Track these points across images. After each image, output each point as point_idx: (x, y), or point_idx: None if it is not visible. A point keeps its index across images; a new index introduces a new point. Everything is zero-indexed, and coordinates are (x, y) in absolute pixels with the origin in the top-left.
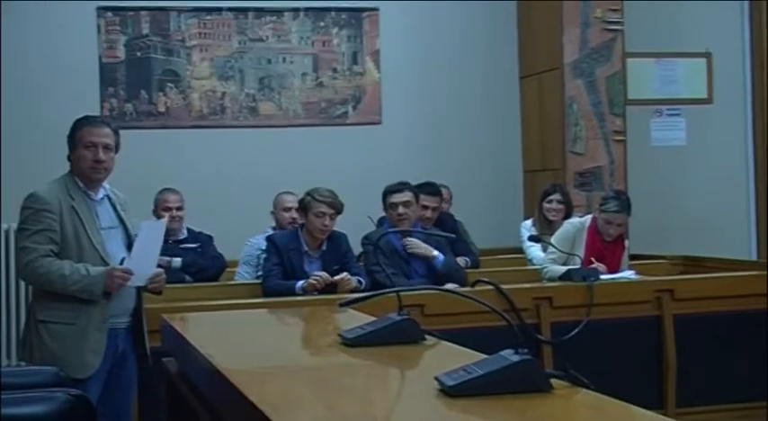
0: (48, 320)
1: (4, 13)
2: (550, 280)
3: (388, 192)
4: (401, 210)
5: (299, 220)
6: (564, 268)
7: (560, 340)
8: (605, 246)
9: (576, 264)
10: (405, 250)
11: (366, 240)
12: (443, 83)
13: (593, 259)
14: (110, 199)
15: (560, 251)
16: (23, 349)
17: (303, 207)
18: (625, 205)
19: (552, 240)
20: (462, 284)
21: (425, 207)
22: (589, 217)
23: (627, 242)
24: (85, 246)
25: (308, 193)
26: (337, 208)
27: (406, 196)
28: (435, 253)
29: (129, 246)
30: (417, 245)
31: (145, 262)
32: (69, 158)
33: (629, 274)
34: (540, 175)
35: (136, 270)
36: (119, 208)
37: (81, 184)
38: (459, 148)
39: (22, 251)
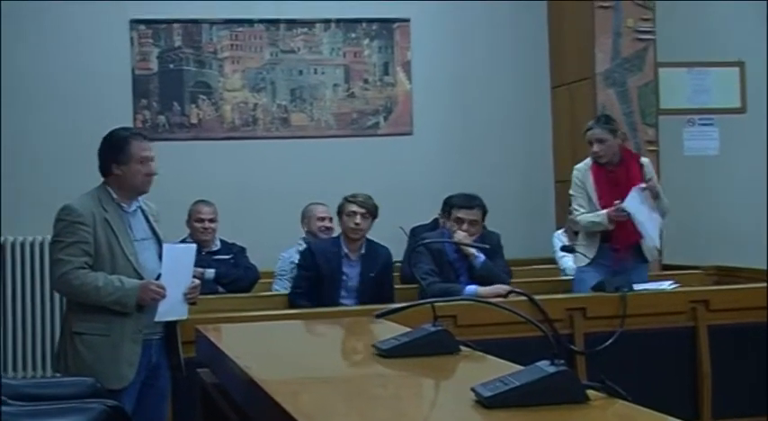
0: (82, 332)
1: (36, 25)
2: (586, 227)
3: (455, 206)
4: (466, 227)
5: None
6: (593, 215)
7: (594, 351)
8: (613, 171)
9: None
10: (455, 248)
11: (415, 233)
12: (475, 93)
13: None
14: (142, 210)
15: (579, 198)
16: (59, 360)
17: (339, 211)
18: (601, 121)
19: (570, 192)
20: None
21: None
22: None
23: (643, 159)
24: (119, 258)
25: (344, 198)
26: (368, 208)
27: (474, 215)
28: (474, 251)
29: (161, 257)
30: (464, 238)
31: (174, 289)
32: (107, 170)
33: (667, 285)
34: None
35: (167, 294)
36: (151, 219)
37: (115, 196)
38: (490, 159)
39: (56, 263)
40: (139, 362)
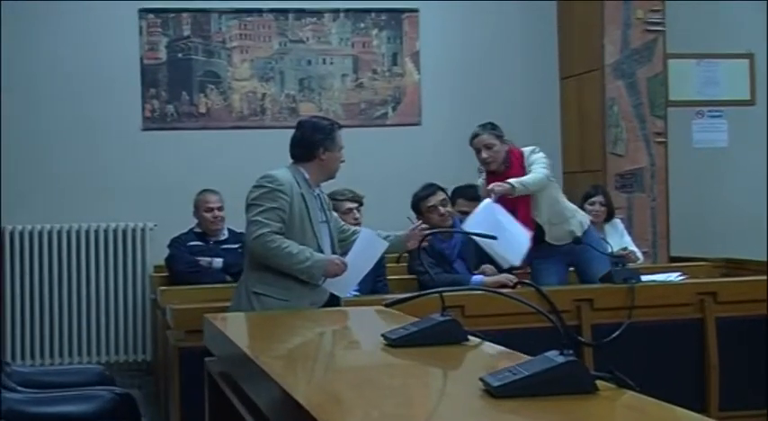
0: (262, 293)
1: (46, 14)
2: None
3: (421, 198)
4: (442, 209)
5: None
6: None
7: (601, 342)
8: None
9: None
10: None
11: None
12: (483, 84)
13: None
14: (320, 196)
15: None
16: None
17: None
18: (487, 127)
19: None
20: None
21: (465, 212)
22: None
23: (525, 150)
24: (308, 233)
25: (330, 199)
26: (359, 200)
27: (441, 195)
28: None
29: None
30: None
31: (353, 272)
32: (312, 154)
33: (675, 277)
34: (579, 177)
35: (347, 274)
36: (326, 207)
37: (307, 176)
38: None
39: (253, 224)
40: None
